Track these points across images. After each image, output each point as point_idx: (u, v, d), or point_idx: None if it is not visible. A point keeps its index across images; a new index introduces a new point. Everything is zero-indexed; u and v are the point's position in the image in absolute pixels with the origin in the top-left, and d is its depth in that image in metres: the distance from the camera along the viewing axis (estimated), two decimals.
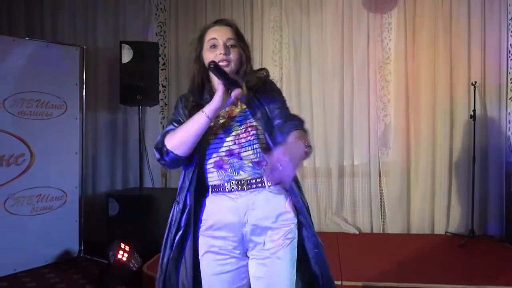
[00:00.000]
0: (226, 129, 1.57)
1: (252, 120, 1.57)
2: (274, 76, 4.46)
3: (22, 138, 3.70)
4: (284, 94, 4.88)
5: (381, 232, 4.39)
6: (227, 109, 1.59)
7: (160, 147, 1.55)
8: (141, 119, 4.27)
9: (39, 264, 3.76)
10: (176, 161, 1.55)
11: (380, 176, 4.42)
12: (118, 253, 3.36)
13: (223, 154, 1.56)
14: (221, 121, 1.58)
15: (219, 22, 1.65)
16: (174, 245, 1.59)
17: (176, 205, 1.61)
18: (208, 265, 1.58)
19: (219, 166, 1.57)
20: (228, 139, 1.56)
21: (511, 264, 3.43)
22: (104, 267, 3.56)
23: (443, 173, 4.25)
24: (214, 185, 1.58)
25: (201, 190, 1.60)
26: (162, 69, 4.62)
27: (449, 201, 4.27)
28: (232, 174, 1.55)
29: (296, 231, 1.59)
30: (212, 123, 1.54)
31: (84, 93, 4.13)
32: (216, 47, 1.58)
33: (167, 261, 1.60)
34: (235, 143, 1.55)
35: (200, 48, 1.63)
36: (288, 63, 4.55)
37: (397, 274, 3.17)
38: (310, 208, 1.65)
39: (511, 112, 4.22)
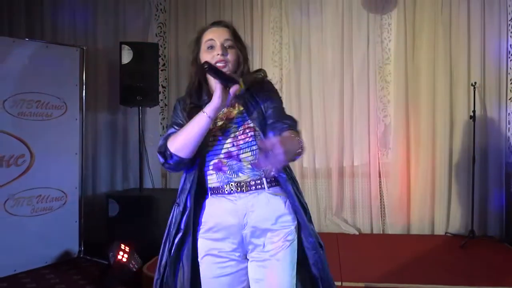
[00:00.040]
0: (224, 131, 1.57)
1: (250, 121, 1.57)
2: (274, 77, 4.49)
3: (22, 139, 3.70)
4: (284, 95, 4.89)
5: (381, 232, 4.39)
6: (225, 111, 1.59)
7: (163, 151, 1.54)
8: (141, 119, 4.27)
9: (39, 265, 3.76)
10: (180, 164, 1.54)
11: (380, 176, 4.42)
12: (118, 253, 3.35)
13: (222, 156, 1.56)
14: (219, 123, 1.58)
15: (217, 23, 1.66)
16: (174, 247, 1.59)
17: (176, 207, 1.61)
18: (207, 268, 1.58)
19: (218, 168, 1.57)
20: (226, 141, 1.56)
21: (511, 264, 3.43)
22: (104, 267, 3.56)
23: (443, 173, 4.26)
24: (214, 187, 1.58)
25: (201, 192, 1.60)
26: (162, 70, 4.62)
27: (449, 202, 4.27)
28: (231, 176, 1.55)
29: (296, 233, 1.58)
30: (211, 125, 1.54)
31: (84, 94, 4.13)
32: (213, 48, 1.58)
33: (165, 263, 1.60)
34: (233, 145, 1.55)
35: (197, 50, 1.64)
36: (288, 64, 4.55)
37: (397, 275, 3.17)
38: (310, 209, 1.65)
39: (511, 112, 4.22)
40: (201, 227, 1.60)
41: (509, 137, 4.20)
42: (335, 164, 4.45)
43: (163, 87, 4.68)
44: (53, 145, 3.86)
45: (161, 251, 1.63)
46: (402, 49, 4.32)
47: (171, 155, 1.52)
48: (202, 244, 1.59)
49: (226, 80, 1.48)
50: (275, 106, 1.60)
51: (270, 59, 4.57)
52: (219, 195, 1.57)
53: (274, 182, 1.58)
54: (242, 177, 1.55)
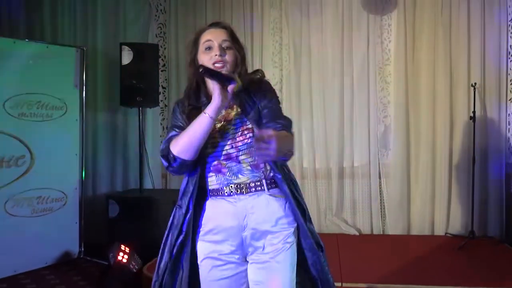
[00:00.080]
0: (223, 133, 1.57)
1: (248, 123, 1.56)
2: (274, 77, 4.49)
3: (22, 139, 3.70)
4: (284, 95, 4.87)
5: (381, 233, 4.39)
6: (223, 112, 1.58)
7: (167, 154, 1.54)
8: (141, 120, 4.28)
9: (39, 265, 3.75)
10: (183, 166, 1.54)
11: (380, 177, 4.42)
12: (118, 254, 3.35)
13: (221, 158, 1.56)
14: (218, 125, 1.57)
15: (214, 24, 1.66)
16: (175, 249, 1.58)
17: (178, 209, 1.60)
18: (207, 271, 1.57)
19: (217, 170, 1.57)
20: (225, 143, 1.56)
21: (511, 265, 3.43)
22: (104, 268, 3.55)
23: (443, 174, 4.26)
24: (213, 189, 1.58)
25: (201, 194, 1.59)
26: (162, 71, 4.62)
27: (449, 202, 4.27)
28: (230, 178, 1.55)
29: (296, 235, 1.58)
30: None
31: (84, 95, 4.13)
32: (211, 49, 1.58)
33: (164, 265, 1.60)
34: (232, 147, 1.55)
35: (195, 51, 1.63)
36: (288, 64, 4.55)
37: (397, 275, 3.17)
38: (310, 210, 1.64)
39: (511, 113, 4.23)
40: (201, 229, 1.60)
41: (509, 138, 4.20)
42: (335, 164, 4.45)
43: (163, 87, 4.68)
44: (53, 146, 3.86)
45: (160, 253, 1.62)
46: (402, 50, 4.32)
47: (175, 158, 1.52)
48: (202, 247, 1.59)
49: (223, 80, 1.49)
50: (271, 106, 1.60)
51: (270, 60, 4.57)
52: (218, 197, 1.57)
53: (274, 183, 1.57)
54: (242, 178, 1.55)
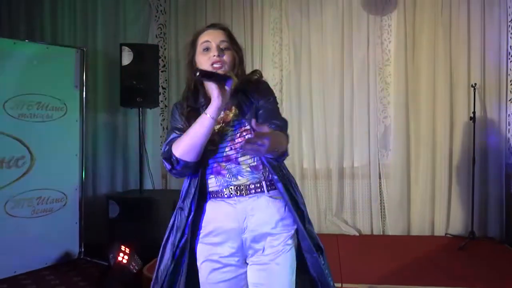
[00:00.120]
0: (222, 134, 1.56)
1: (247, 124, 1.56)
2: (274, 78, 4.50)
3: (22, 140, 3.70)
4: (284, 96, 4.86)
5: (381, 234, 4.39)
6: (222, 114, 1.58)
7: (169, 157, 1.53)
8: (141, 121, 4.28)
9: (39, 266, 3.76)
10: (185, 168, 1.53)
11: (380, 178, 4.42)
12: (119, 255, 3.36)
13: (220, 160, 1.56)
14: (217, 127, 1.56)
15: (212, 26, 1.65)
16: (178, 251, 1.58)
17: (180, 211, 1.59)
18: (206, 274, 1.57)
19: (217, 172, 1.56)
20: (224, 144, 1.56)
21: (511, 265, 3.43)
22: (104, 269, 3.56)
23: (443, 174, 4.26)
24: (213, 191, 1.58)
25: (201, 196, 1.59)
26: (162, 71, 4.62)
27: (449, 203, 4.27)
28: (230, 180, 1.55)
29: (296, 237, 1.58)
30: None
31: (84, 95, 4.13)
32: (209, 49, 1.58)
33: (165, 267, 1.59)
34: (231, 149, 1.55)
35: (192, 53, 1.63)
36: (288, 65, 4.55)
37: (397, 276, 3.17)
38: (310, 210, 1.64)
39: (511, 113, 4.23)
40: (201, 231, 1.59)
41: (509, 138, 4.20)
42: (335, 165, 4.45)
43: (163, 88, 4.69)
44: (53, 147, 3.86)
45: (160, 255, 1.62)
46: (402, 50, 4.32)
47: (178, 160, 1.51)
48: (201, 250, 1.59)
49: (220, 79, 1.48)
50: (267, 106, 1.59)
51: (270, 60, 4.57)
52: (218, 199, 1.57)
53: (273, 185, 1.57)
54: (242, 180, 1.55)
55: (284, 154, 1.51)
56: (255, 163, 1.56)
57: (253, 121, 1.30)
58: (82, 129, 4.13)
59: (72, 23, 4.76)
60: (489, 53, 4.19)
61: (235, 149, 1.55)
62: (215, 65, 1.54)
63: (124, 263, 3.34)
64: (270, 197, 1.56)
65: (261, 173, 1.56)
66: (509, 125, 4.21)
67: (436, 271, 3.26)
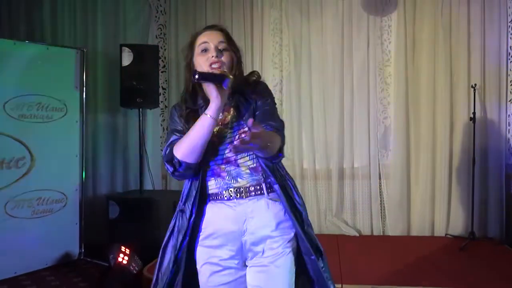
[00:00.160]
0: (221, 136, 1.56)
1: (245, 125, 1.55)
2: (274, 78, 4.50)
3: (22, 141, 3.70)
4: (284, 96, 4.86)
5: (381, 234, 4.39)
6: (221, 116, 1.57)
7: (171, 159, 1.52)
8: (141, 121, 4.28)
9: (40, 267, 3.76)
10: (187, 170, 1.53)
11: (380, 178, 4.42)
12: (119, 256, 3.36)
13: (220, 162, 1.56)
14: (216, 129, 1.56)
15: (210, 27, 1.65)
16: (180, 253, 1.57)
17: (181, 213, 1.59)
18: (206, 277, 1.56)
19: (216, 174, 1.56)
20: (223, 147, 1.55)
21: (511, 266, 3.43)
22: (104, 270, 3.56)
23: (443, 175, 4.25)
24: (213, 193, 1.57)
25: (201, 199, 1.58)
26: (162, 72, 4.63)
27: (449, 203, 4.27)
28: (230, 182, 1.55)
29: (296, 240, 1.57)
30: None
31: (84, 96, 4.13)
32: (207, 50, 1.57)
33: (165, 269, 1.59)
34: (230, 151, 1.54)
35: (191, 54, 1.62)
36: (288, 65, 4.55)
37: (397, 276, 3.17)
38: (310, 211, 1.64)
39: (511, 114, 4.23)
40: (200, 234, 1.59)
41: (509, 139, 4.20)
42: (335, 165, 4.45)
43: (163, 89, 4.69)
44: (53, 147, 3.86)
45: (160, 256, 1.62)
46: (402, 51, 4.32)
47: (180, 162, 1.50)
48: (201, 252, 1.58)
49: (217, 79, 1.48)
50: (264, 108, 1.59)
51: (270, 61, 4.57)
52: (218, 201, 1.56)
53: (272, 187, 1.56)
54: (241, 182, 1.54)
55: (279, 155, 1.51)
56: (254, 164, 1.56)
57: (250, 120, 1.30)
58: (82, 130, 4.13)
59: (72, 24, 4.77)
60: (489, 53, 4.19)
61: None
62: (213, 66, 1.54)
63: (124, 263, 3.34)
64: (270, 199, 1.55)
65: (260, 175, 1.56)
66: (509, 125, 4.21)
67: (436, 272, 3.26)
